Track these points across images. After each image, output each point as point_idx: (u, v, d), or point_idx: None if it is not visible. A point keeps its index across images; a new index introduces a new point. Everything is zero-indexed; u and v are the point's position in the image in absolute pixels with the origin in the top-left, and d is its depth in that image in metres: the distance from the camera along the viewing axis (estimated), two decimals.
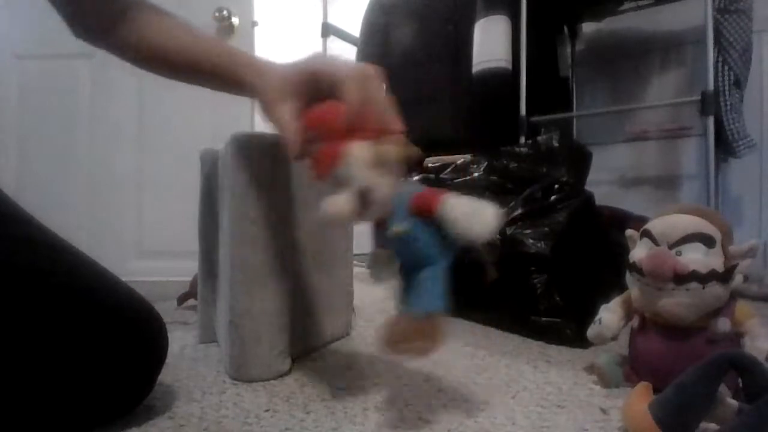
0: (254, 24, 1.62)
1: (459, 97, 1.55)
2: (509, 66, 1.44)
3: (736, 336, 0.59)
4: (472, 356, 0.80)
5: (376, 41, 1.76)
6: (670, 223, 0.60)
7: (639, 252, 0.63)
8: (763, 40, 1.55)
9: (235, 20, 1.59)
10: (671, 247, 0.59)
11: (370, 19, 1.79)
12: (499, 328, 0.97)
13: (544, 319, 0.90)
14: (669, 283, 0.57)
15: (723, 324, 0.58)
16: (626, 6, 1.71)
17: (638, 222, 0.70)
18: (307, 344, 0.80)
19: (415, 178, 1.19)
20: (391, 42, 1.74)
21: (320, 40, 1.99)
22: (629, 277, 0.64)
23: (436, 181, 1.14)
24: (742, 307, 0.60)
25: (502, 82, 1.44)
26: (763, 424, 0.37)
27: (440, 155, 1.33)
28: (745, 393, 0.44)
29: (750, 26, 1.33)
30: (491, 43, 1.44)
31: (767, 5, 1.48)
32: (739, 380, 0.46)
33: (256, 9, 1.63)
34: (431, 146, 1.55)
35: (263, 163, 0.66)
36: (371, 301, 1.25)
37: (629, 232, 0.68)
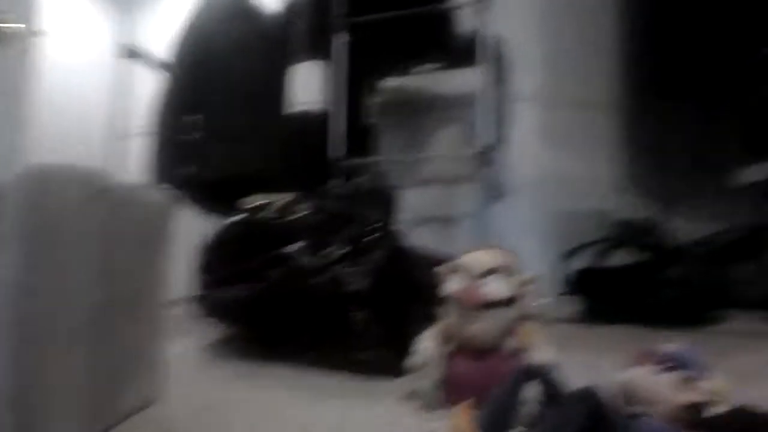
0: (38, 33, 1.38)
1: (273, 136, 1.56)
2: (322, 110, 1.52)
3: (525, 351, 0.71)
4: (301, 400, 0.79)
5: (192, 75, 1.67)
6: (475, 258, 0.71)
7: (452, 284, 0.72)
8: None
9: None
10: (478, 278, 0.69)
11: (184, 49, 1.69)
12: (321, 368, 0.97)
13: (364, 353, 0.94)
14: (480, 309, 0.67)
15: (513, 342, 0.70)
16: (415, 69, 1.99)
17: (443, 260, 0.81)
18: (112, 416, 0.68)
19: (237, 218, 1.14)
20: (209, 77, 1.67)
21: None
22: (445, 308, 0.73)
23: (259, 222, 1.11)
24: (527, 326, 0.72)
25: (314, 124, 1.51)
26: (565, 425, 0.46)
27: (254, 194, 1.30)
28: (543, 398, 0.53)
29: (507, 95, 1.67)
30: (306, 87, 1.50)
31: None
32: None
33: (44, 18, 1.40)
34: (244, 183, 1.51)
35: (69, 201, 0.56)
36: (186, 356, 1.11)
37: (440, 268, 0.77)
